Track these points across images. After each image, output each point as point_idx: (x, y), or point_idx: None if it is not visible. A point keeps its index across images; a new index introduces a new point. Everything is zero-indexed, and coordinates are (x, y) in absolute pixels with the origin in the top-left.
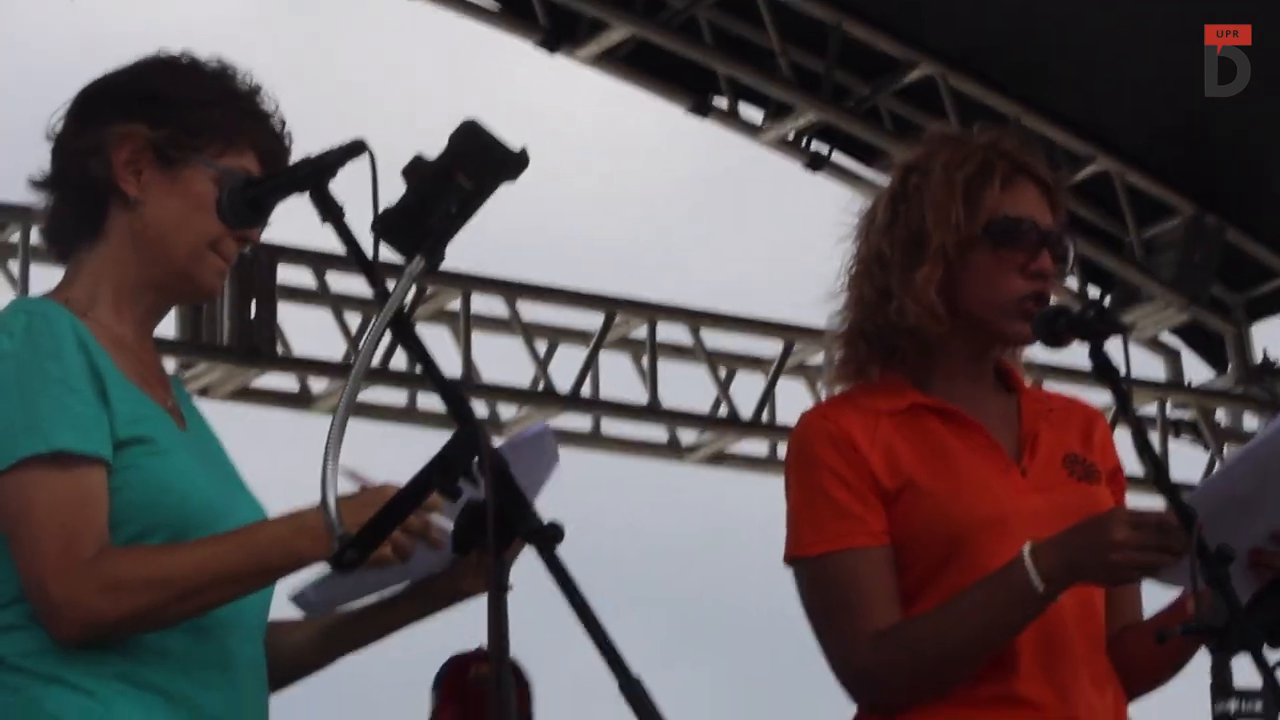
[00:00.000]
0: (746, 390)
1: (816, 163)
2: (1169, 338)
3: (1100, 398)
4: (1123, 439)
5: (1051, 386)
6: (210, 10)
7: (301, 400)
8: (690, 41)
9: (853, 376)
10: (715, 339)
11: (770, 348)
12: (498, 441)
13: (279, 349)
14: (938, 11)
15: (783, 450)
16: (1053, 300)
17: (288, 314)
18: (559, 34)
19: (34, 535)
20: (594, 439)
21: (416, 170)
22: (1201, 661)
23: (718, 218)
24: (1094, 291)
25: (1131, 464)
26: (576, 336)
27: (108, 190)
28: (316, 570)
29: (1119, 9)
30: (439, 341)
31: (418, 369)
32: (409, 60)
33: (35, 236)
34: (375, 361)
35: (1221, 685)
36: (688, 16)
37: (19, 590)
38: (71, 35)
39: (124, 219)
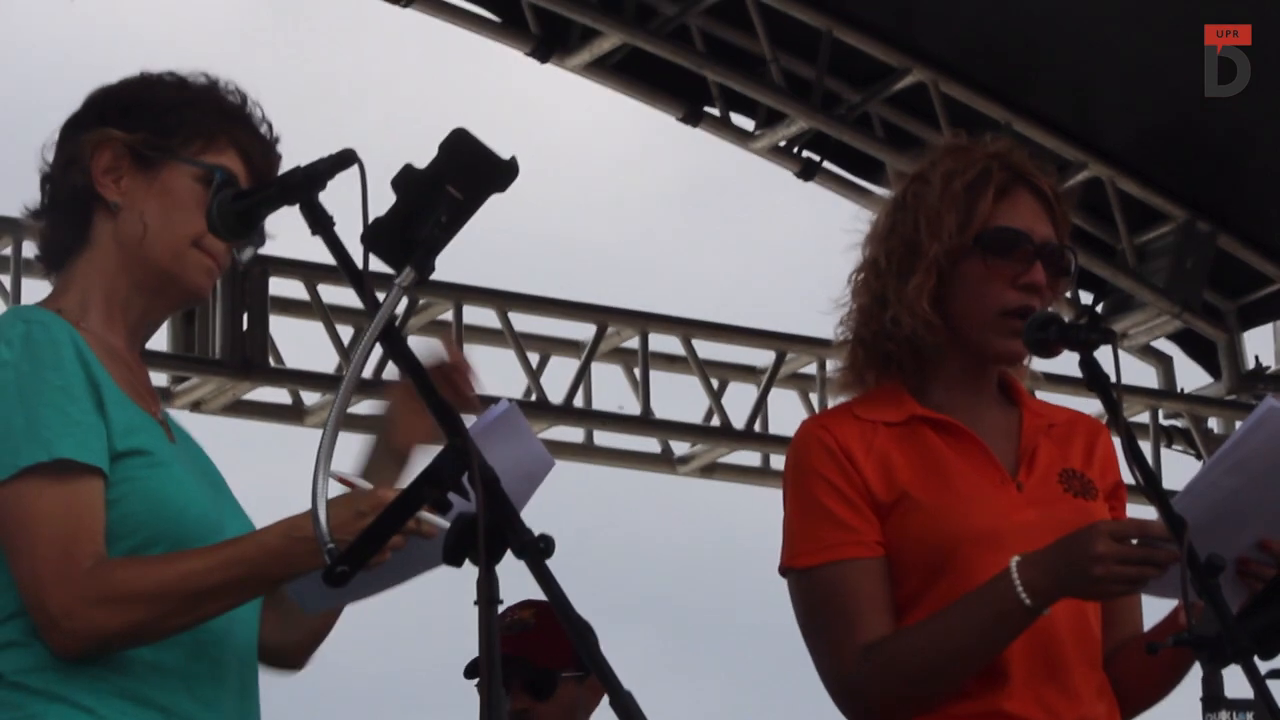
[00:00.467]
0: (739, 400)
1: (809, 171)
2: (1161, 344)
3: (1091, 405)
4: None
5: (1044, 396)
6: (202, 16)
7: (294, 413)
8: (681, 49)
9: (852, 383)
10: (707, 349)
11: (763, 357)
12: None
13: (271, 361)
14: (929, 18)
15: (776, 460)
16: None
17: (280, 326)
18: (550, 42)
19: (32, 545)
20: (587, 450)
21: (406, 180)
22: (1193, 673)
23: (710, 227)
24: (1086, 298)
25: (1124, 473)
26: (568, 347)
27: (90, 199)
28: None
29: (1111, 14)
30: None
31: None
32: (399, 68)
33: (28, 249)
34: (367, 373)
35: (1213, 696)
36: (679, 24)
37: (18, 604)
38: (59, 54)
39: (108, 226)
